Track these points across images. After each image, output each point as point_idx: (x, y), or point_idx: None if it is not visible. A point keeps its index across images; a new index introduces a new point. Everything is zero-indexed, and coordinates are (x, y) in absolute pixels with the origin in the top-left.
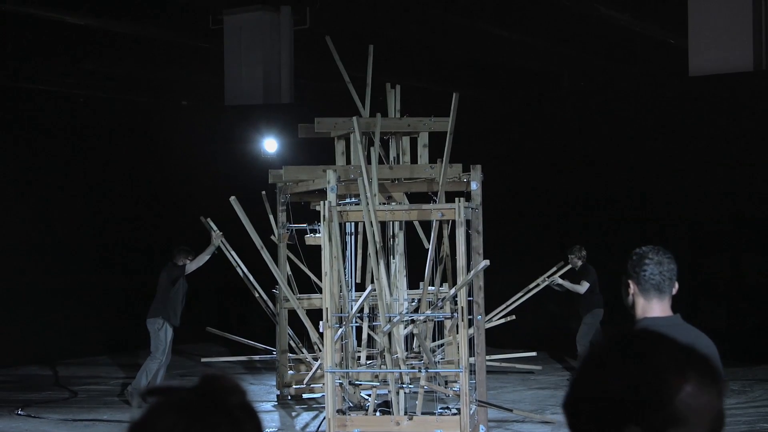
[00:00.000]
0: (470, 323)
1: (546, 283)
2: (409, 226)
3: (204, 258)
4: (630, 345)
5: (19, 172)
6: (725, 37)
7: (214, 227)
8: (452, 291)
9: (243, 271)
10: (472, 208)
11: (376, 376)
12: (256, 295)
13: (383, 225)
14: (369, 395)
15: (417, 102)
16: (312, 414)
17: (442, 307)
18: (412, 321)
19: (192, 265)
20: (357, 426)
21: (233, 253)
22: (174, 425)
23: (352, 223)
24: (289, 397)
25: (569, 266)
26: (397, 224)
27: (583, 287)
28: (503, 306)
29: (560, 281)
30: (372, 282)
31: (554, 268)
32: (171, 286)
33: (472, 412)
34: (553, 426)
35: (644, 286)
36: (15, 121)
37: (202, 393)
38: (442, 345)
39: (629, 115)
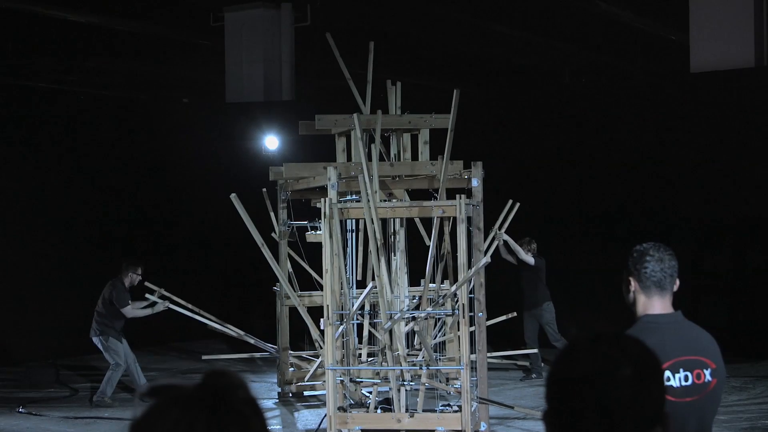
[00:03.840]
0: (471, 320)
1: (493, 233)
2: (410, 223)
3: (139, 314)
4: (590, 340)
5: (20, 170)
6: (727, 33)
7: (155, 288)
8: (453, 288)
9: (213, 321)
10: (473, 205)
11: (377, 373)
12: (234, 334)
13: (384, 222)
14: (370, 392)
15: (418, 99)
16: (313, 411)
17: (443, 304)
18: (413, 318)
19: (126, 310)
20: (358, 423)
21: (190, 307)
22: (179, 421)
23: (353, 220)
24: (291, 395)
25: (518, 204)
26: (398, 221)
27: (530, 258)
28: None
29: (507, 237)
30: (373, 279)
31: (506, 208)
32: (111, 306)
33: (473, 409)
34: None
35: (645, 283)
36: (15, 119)
37: (206, 389)
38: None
39: (630, 112)
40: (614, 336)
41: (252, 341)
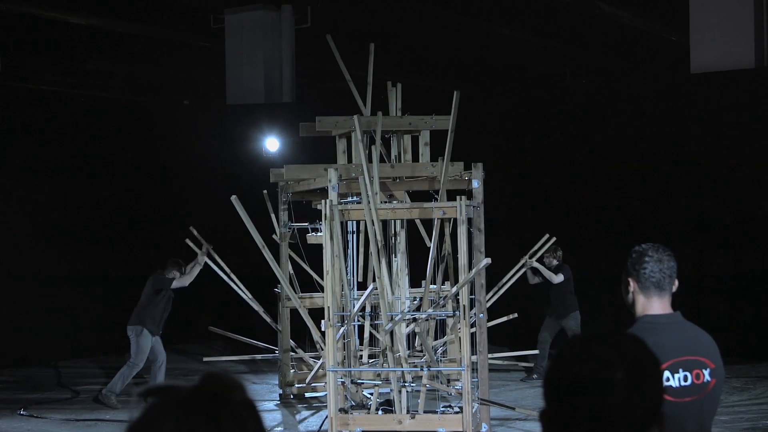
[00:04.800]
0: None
1: (523, 261)
2: (410, 225)
3: (189, 278)
4: (586, 340)
5: (21, 172)
6: (727, 34)
7: (202, 240)
8: (454, 289)
9: (237, 285)
10: (473, 206)
11: (378, 375)
12: (255, 307)
13: (385, 223)
14: (371, 394)
15: (418, 100)
16: (314, 413)
17: (444, 306)
18: (414, 319)
19: (177, 282)
20: (359, 425)
21: (225, 268)
22: (180, 423)
23: (354, 222)
24: (292, 396)
25: (554, 239)
26: (398, 222)
27: (558, 277)
28: (493, 291)
29: (537, 264)
30: (374, 280)
31: (541, 241)
32: (154, 296)
33: (474, 410)
34: None
35: (644, 283)
36: (16, 121)
37: (204, 391)
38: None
39: (631, 113)
40: (611, 336)
41: (268, 320)
